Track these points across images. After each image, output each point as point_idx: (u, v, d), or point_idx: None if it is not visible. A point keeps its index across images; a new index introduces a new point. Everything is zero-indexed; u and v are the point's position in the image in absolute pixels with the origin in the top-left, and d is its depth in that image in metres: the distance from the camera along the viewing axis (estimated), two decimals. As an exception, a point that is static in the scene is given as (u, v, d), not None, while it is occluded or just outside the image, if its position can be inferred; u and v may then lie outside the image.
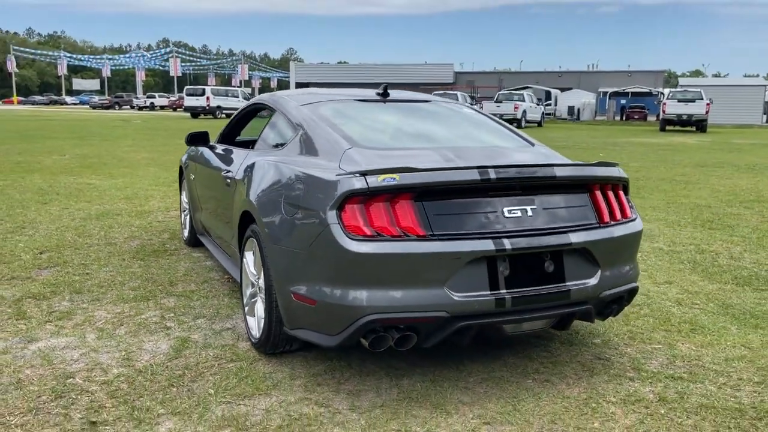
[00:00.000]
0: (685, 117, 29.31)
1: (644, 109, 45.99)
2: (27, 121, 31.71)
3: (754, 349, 3.58)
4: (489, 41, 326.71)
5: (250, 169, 3.66)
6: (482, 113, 4.19)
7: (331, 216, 2.73)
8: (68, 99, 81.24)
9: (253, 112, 4.93)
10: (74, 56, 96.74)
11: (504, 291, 2.81)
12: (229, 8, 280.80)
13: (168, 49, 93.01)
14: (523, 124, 31.50)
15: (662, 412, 2.84)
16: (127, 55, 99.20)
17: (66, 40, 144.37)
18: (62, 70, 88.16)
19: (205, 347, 3.51)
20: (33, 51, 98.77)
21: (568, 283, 2.95)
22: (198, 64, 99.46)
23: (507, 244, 2.79)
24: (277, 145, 3.87)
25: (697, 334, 3.80)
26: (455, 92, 34.46)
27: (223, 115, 39.22)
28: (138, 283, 4.63)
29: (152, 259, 5.32)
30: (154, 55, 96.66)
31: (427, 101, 4.24)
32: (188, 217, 5.65)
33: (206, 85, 69.54)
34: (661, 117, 30.91)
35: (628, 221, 3.23)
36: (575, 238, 2.95)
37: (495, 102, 32.96)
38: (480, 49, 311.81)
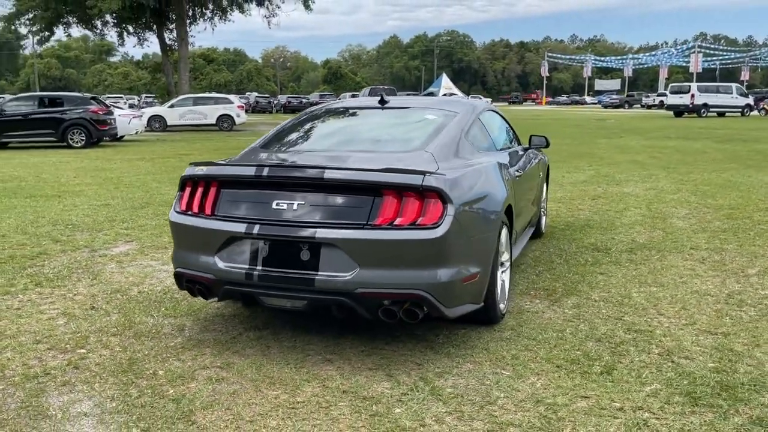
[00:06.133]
0: None
1: None
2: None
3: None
4: None
5: None
6: (444, 118, 4.19)
7: (177, 195, 3.69)
8: (588, 99, 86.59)
9: None
10: (599, 58, 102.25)
11: (258, 267, 3.28)
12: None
13: (690, 45, 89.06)
14: None
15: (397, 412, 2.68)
16: (651, 54, 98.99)
17: (602, 43, 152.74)
18: (587, 72, 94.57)
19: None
20: (565, 56, 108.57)
21: (317, 273, 3.15)
22: (727, 57, 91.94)
23: (256, 229, 3.27)
24: None
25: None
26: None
27: (713, 114, 36.11)
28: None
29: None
30: (679, 50, 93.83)
31: (407, 107, 4.64)
32: None
33: (736, 81, 64.41)
34: None
35: (413, 228, 3.10)
36: (322, 234, 3.14)
37: None
38: None
